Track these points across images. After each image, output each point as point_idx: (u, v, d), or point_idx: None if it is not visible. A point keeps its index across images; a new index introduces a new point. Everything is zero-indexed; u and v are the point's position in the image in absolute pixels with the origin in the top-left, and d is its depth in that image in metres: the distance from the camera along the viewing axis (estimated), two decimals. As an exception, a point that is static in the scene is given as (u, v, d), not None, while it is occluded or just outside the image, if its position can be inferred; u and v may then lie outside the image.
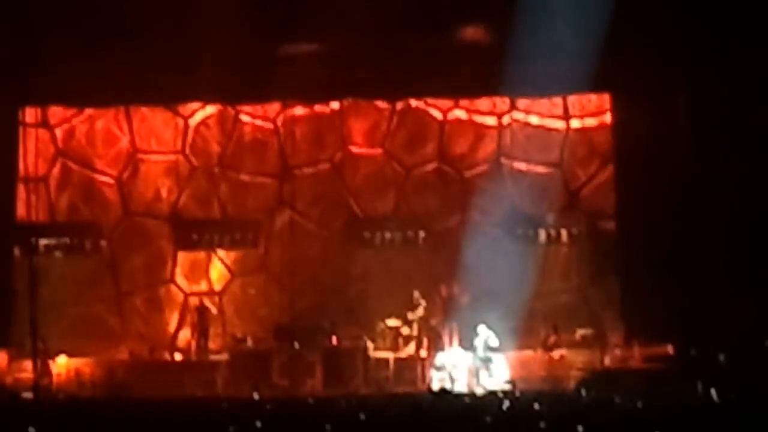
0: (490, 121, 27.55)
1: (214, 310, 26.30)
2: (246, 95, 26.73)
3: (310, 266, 27.43)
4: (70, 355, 25.56)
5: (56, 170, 27.59)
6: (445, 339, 25.55)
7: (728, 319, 23.71)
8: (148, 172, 27.67)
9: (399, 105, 27.49)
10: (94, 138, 27.64)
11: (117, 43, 24.82)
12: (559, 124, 27.43)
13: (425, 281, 27.14)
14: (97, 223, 27.14)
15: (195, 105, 27.55)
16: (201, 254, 27.42)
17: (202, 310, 26.28)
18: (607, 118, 27.04)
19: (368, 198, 27.53)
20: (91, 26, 25.06)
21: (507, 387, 23.76)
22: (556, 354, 25.27)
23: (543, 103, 27.35)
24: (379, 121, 27.61)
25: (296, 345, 25.56)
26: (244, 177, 27.67)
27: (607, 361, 25.03)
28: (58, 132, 27.60)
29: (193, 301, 26.47)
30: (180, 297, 27.26)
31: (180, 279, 27.46)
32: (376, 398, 22.04)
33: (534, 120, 27.49)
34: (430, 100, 27.44)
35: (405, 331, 25.93)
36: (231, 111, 27.62)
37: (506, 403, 18.22)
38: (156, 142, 27.75)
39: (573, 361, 25.35)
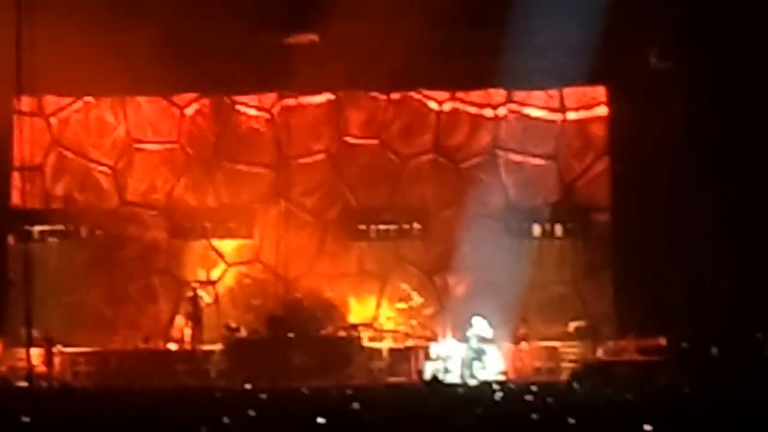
0: (486, 112, 27.56)
1: (208, 300, 26.29)
2: (242, 85, 26.71)
3: (305, 256, 27.45)
4: (64, 344, 25.56)
5: (51, 159, 27.57)
6: (439, 330, 25.61)
7: (721, 312, 23.76)
8: (143, 162, 27.66)
9: (395, 96, 27.48)
10: (90, 127, 27.63)
11: (114, 32, 24.81)
12: (555, 117, 27.44)
13: (420, 272, 27.18)
14: (92, 211, 27.10)
15: (191, 95, 27.53)
16: (195, 244, 27.42)
17: (196, 299, 26.28)
18: (603, 110, 27.06)
19: (364, 189, 27.53)
20: (87, 15, 25.05)
21: (500, 378, 23.81)
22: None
23: (539, 96, 27.35)
24: (375, 112, 27.60)
25: (290, 335, 25.62)
26: (240, 167, 27.66)
27: (599, 353, 25.07)
28: (54, 121, 27.58)
29: (187, 290, 26.47)
30: (174, 286, 27.26)
31: (174, 268, 27.46)
32: (369, 388, 22.08)
33: (530, 112, 27.49)
34: (426, 92, 27.44)
35: (399, 321, 25.98)
36: (227, 101, 27.60)
37: (499, 394, 18.26)
38: (151, 132, 27.73)
39: (565, 353, 25.43)
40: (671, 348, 23.75)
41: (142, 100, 27.48)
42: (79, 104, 27.48)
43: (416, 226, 26.93)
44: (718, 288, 24.26)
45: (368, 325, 26.10)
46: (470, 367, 24.36)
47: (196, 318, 26.23)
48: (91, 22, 24.83)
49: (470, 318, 24.72)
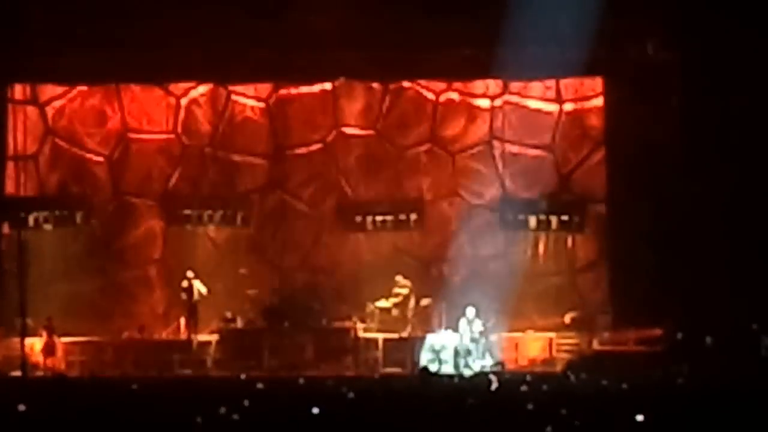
0: (483, 103, 27.52)
1: (204, 290, 26.27)
2: (238, 75, 26.67)
3: (301, 247, 27.43)
4: (59, 333, 25.54)
5: (46, 148, 27.50)
6: (435, 320, 25.60)
7: (716, 303, 23.77)
8: (139, 152, 27.60)
9: (392, 86, 27.44)
10: (85, 116, 27.56)
11: (108, 21, 24.77)
12: (552, 108, 27.41)
13: (416, 262, 27.17)
14: (87, 201, 27.06)
15: (187, 84, 27.47)
16: (191, 234, 27.37)
17: (191, 289, 26.26)
18: (600, 101, 27.03)
19: (360, 179, 27.49)
20: (83, 3, 25.00)
21: (495, 368, 23.82)
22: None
23: (536, 86, 27.32)
24: (371, 103, 27.56)
25: (286, 325, 25.60)
26: (236, 157, 27.62)
27: (595, 343, 25.08)
28: (48, 110, 27.50)
29: (183, 280, 26.44)
30: (170, 276, 27.22)
31: (170, 258, 27.42)
32: (365, 379, 22.08)
33: (527, 103, 27.46)
34: (423, 82, 27.39)
35: (395, 312, 25.97)
36: (223, 90, 27.54)
37: (494, 385, 18.26)
38: (147, 122, 27.67)
39: (561, 343, 25.44)
40: (666, 338, 23.76)
41: (137, 89, 27.41)
42: (73, 93, 27.41)
43: (412, 216, 26.90)
44: (713, 279, 24.27)
45: (364, 316, 26.07)
46: (465, 357, 24.36)
47: (191, 308, 26.20)
48: (86, 11, 24.80)
49: (464, 308, 24.71)
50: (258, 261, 27.43)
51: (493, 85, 27.35)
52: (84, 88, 27.26)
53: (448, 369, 24.16)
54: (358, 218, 26.93)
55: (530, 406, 13.59)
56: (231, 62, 25.88)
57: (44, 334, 25.28)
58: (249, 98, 27.65)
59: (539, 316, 26.26)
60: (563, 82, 27.19)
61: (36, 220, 25.86)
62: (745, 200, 24.67)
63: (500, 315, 25.40)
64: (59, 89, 27.26)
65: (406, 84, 27.45)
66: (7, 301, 25.50)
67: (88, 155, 27.55)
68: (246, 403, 13.91)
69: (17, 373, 24.27)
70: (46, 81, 26.91)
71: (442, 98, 27.51)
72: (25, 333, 24.48)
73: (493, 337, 24.82)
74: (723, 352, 22.40)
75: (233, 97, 27.61)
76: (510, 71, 25.98)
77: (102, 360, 25.51)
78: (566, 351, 25.23)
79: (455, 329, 24.82)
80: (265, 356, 25.09)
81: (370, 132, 27.58)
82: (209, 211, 26.82)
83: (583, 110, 27.35)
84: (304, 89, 27.47)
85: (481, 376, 22.05)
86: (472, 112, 27.51)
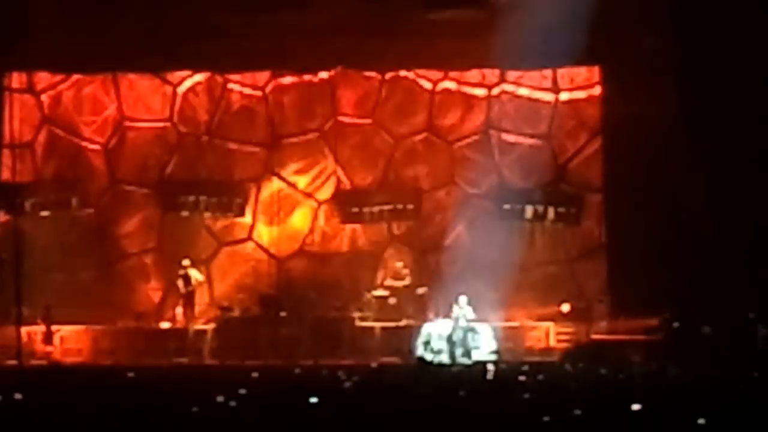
0: (480, 92, 27.49)
1: (200, 279, 26.26)
2: (235, 63, 26.63)
3: (297, 235, 27.42)
4: (56, 322, 25.53)
5: (42, 137, 27.47)
6: (431, 309, 25.60)
7: (713, 292, 23.78)
8: (135, 140, 27.57)
9: (388, 75, 27.41)
10: (81, 105, 27.51)
11: (105, 9, 24.71)
12: (549, 97, 27.39)
13: (412, 252, 27.17)
14: (83, 185, 27.04)
15: (183, 73, 27.43)
16: (188, 222, 27.35)
17: (188, 278, 26.25)
18: (597, 90, 27.01)
19: (356, 168, 27.47)
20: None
21: (492, 358, 23.82)
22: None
23: (532, 76, 27.29)
24: (368, 91, 27.53)
25: (283, 314, 25.60)
26: (232, 145, 27.59)
27: (592, 333, 25.08)
28: (44, 98, 27.46)
29: (180, 269, 26.42)
30: (166, 265, 27.21)
31: (166, 247, 27.40)
32: (361, 368, 22.08)
33: (523, 92, 27.43)
34: (419, 71, 27.36)
35: (391, 301, 25.98)
36: (219, 79, 27.51)
37: (491, 374, 18.26)
38: (144, 110, 27.63)
39: (558, 333, 25.46)
40: (663, 328, 23.77)
41: (134, 77, 27.37)
42: (70, 81, 27.37)
43: (409, 205, 26.89)
44: (710, 268, 24.27)
45: (360, 305, 26.08)
46: (462, 346, 24.36)
47: (188, 297, 26.20)
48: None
49: (457, 297, 24.69)
50: (254, 249, 27.41)
51: (490, 74, 27.32)
52: (80, 76, 27.22)
53: (444, 358, 24.15)
54: (355, 207, 26.92)
55: (527, 396, 13.59)
56: (227, 51, 25.83)
57: (42, 323, 25.24)
58: (246, 87, 27.62)
59: (536, 306, 26.25)
60: (560, 71, 27.16)
61: (33, 206, 25.84)
62: (742, 189, 24.66)
63: (497, 304, 25.40)
64: (56, 77, 27.22)
65: (402, 73, 27.41)
66: (3, 289, 25.46)
67: (84, 143, 27.52)
68: (242, 392, 13.90)
69: (13, 362, 24.24)
70: (42, 69, 26.86)
71: (439, 87, 27.49)
72: (20, 321, 24.44)
73: (490, 327, 24.81)
74: (720, 341, 22.40)
75: (230, 85, 27.58)
76: (507, 60, 25.93)
77: (98, 348, 25.51)
78: (564, 341, 25.24)
79: (452, 318, 24.80)
80: (261, 345, 25.07)
81: (367, 121, 27.56)
82: (205, 199, 26.81)
83: (580, 99, 27.32)
84: (301, 78, 27.42)
85: (478, 365, 22.04)
86: (469, 102, 27.49)
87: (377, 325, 25.69)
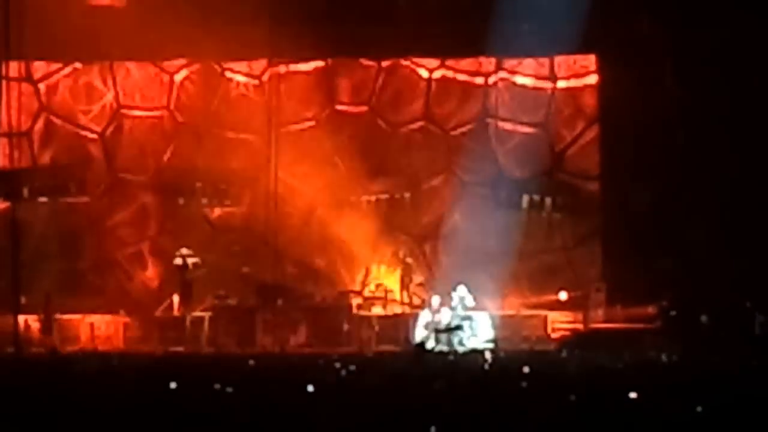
0: (477, 80, 27.46)
1: (197, 267, 26.24)
2: (232, 52, 26.59)
3: (295, 224, 27.41)
4: (55, 311, 25.52)
5: (39, 125, 27.44)
6: (429, 298, 25.61)
7: (711, 280, 23.79)
8: (132, 128, 27.54)
9: (385, 63, 27.37)
10: (78, 93, 27.48)
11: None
12: (546, 85, 27.36)
13: (410, 240, 27.17)
14: (80, 171, 27.04)
15: (180, 61, 27.39)
16: (185, 211, 27.34)
17: (185, 266, 26.23)
18: (593, 78, 26.99)
19: (354, 156, 27.45)
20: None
21: (489, 346, 23.83)
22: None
23: (529, 64, 27.26)
24: (365, 80, 27.50)
25: (280, 303, 25.59)
26: (230, 134, 27.57)
27: (589, 321, 25.10)
28: (42, 87, 27.42)
29: (177, 257, 26.41)
30: (163, 253, 27.20)
31: (164, 235, 27.40)
32: (359, 356, 22.08)
33: (520, 80, 27.41)
34: (416, 59, 27.32)
35: (389, 289, 25.99)
36: (216, 68, 27.47)
37: (488, 362, 18.28)
38: (141, 98, 27.60)
39: (555, 321, 25.47)
40: (661, 316, 23.79)
41: (131, 66, 27.34)
42: (67, 70, 27.32)
43: (406, 194, 26.88)
44: (708, 256, 24.28)
45: (358, 293, 26.08)
46: (459, 335, 24.37)
47: (185, 285, 26.18)
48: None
49: (456, 286, 24.70)
50: (251, 238, 27.40)
51: (487, 62, 27.29)
52: (78, 65, 27.18)
53: (442, 346, 24.17)
54: (351, 194, 26.90)
55: (524, 384, 13.60)
56: (224, 39, 25.77)
57: (41, 311, 25.24)
58: (242, 75, 27.57)
59: (534, 294, 26.26)
60: (557, 59, 27.14)
61: (30, 191, 25.82)
62: (739, 177, 24.65)
63: (494, 292, 25.41)
64: (53, 66, 27.18)
65: (399, 61, 27.37)
66: (1, 277, 25.44)
67: (82, 132, 27.49)
68: (239, 380, 13.92)
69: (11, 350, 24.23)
70: (40, 58, 26.82)
71: (436, 75, 27.45)
72: (18, 309, 24.42)
73: (488, 315, 24.82)
74: (717, 329, 22.43)
75: (227, 74, 27.53)
76: (504, 48, 25.90)
77: (95, 336, 25.50)
78: (561, 329, 25.25)
79: (449, 306, 24.82)
80: (258, 334, 25.07)
81: (364, 109, 27.53)
82: (202, 189, 26.78)
83: (576, 88, 27.30)
84: (298, 66, 27.38)
85: (476, 353, 22.06)
86: (466, 90, 27.46)
87: (375, 313, 25.68)
